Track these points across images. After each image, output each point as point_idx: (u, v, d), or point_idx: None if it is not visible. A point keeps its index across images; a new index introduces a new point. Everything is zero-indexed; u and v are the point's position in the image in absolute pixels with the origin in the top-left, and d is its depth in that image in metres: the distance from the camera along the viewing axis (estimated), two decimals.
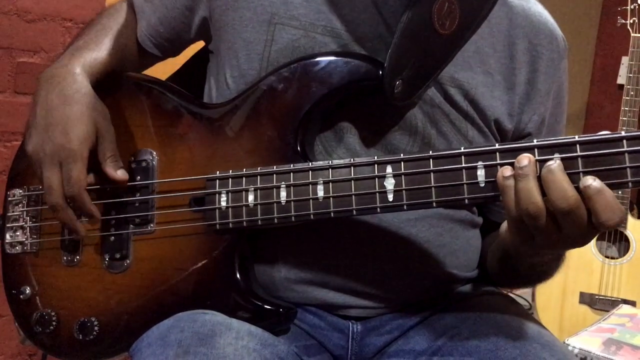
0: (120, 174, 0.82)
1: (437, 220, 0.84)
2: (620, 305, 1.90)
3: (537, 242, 0.66)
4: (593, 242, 2.29)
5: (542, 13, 0.88)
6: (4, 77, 1.81)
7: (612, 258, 2.27)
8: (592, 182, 0.61)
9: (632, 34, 2.31)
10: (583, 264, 2.28)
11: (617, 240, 2.31)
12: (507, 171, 0.64)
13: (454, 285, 0.90)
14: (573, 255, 2.26)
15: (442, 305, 0.87)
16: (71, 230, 0.83)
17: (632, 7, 2.31)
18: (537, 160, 0.64)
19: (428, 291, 0.87)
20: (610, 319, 1.70)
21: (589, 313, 2.25)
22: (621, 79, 2.94)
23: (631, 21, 2.30)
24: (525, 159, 0.63)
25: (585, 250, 2.27)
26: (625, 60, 2.46)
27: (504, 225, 0.73)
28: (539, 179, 0.63)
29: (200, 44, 0.95)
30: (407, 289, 0.85)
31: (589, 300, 2.26)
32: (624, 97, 2.29)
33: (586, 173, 0.62)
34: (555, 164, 0.62)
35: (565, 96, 0.92)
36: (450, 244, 0.86)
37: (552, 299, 2.29)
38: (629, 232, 2.25)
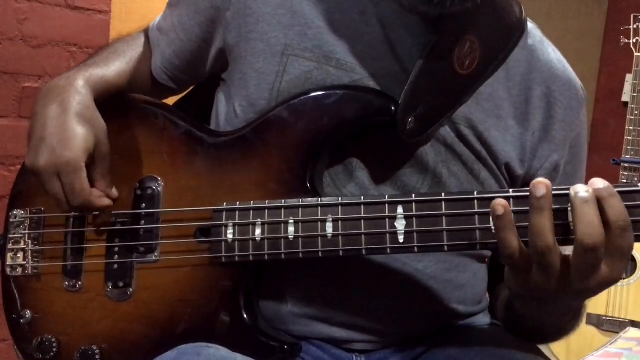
0: (114, 192, 0.81)
1: (444, 256, 0.83)
2: (628, 328, 1.88)
3: (546, 287, 0.64)
4: None
5: (562, 61, 0.86)
6: (9, 101, 1.82)
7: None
8: (600, 183, 0.61)
9: (635, 53, 2.32)
10: None
11: None
12: (499, 210, 0.62)
13: (460, 320, 0.89)
14: None
15: (446, 336, 0.86)
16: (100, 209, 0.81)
17: (634, 26, 2.32)
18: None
19: (434, 325, 0.86)
20: (618, 343, 1.67)
21: (596, 334, 2.22)
22: (626, 97, 2.94)
23: (634, 40, 2.31)
24: (542, 186, 0.61)
25: None
26: (629, 77, 2.46)
27: (507, 273, 0.70)
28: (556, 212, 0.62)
29: None
30: (412, 324, 0.84)
31: (597, 321, 2.23)
32: (628, 117, 2.29)
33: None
34: (589, 193, 0.61)
35: (585, 144, 0.90)
36: (457, 279, 0.85)
37: None
38: (635, 253, 2.24)
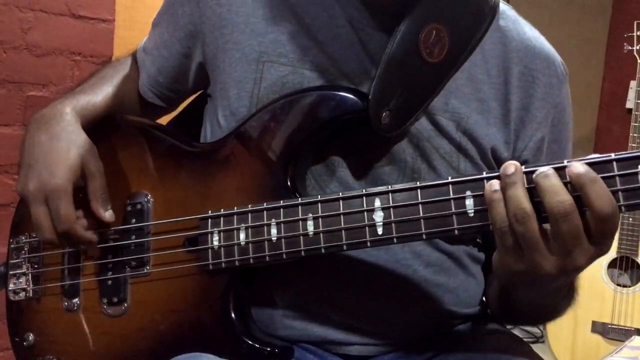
0: (108, 215, 0.82)
1: (434, 259, 0.83)
2: (633, 337, 1.86)
3: (526, 257, 0.64)
4: (604, 269, 2.26)
5: (538, 38, 0.85)
6: (13, 110, 1.84)
7: (624, 286, 2.23)
8: (581, 168, 0.60)
9: (639, 60, 2.31)
10: (594, 292, 2.24)
11: (629, 268, 2.27)
12: (495, 185, 0.63)
13: (455, 322, 0.89)
14: (584, 283, 2.22)
15: (446, 345, 0.85)
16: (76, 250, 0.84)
17: (638, 33, 2.32)
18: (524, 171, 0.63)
19: (428, 329, 0.86)
20: (623, 352, 1.66)
21: (601, 343, 2.20)
22: (630, 103, 2.92)
23: (638, 47, 2.30)
24: (511, 166, 0.62)
25: (596, 278, 2.24)
26: (633, 84, 2.45)
27: (496, 256, 0.70)
28: (530, 189, 0.62)
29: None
30: (406, 326, 0.84)
31: (602, 329, 2.21)
32: (632, 123, 2.28)
33: (577, 197, 0.61)
34: (549, 169, 0.61)
35: (570, 122, 0.89)
36: (448, 282, 0.84)
37: (564, 328, 2.25)
38: None
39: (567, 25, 3.04)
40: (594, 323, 2.23)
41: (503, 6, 0.84)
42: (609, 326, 2.21)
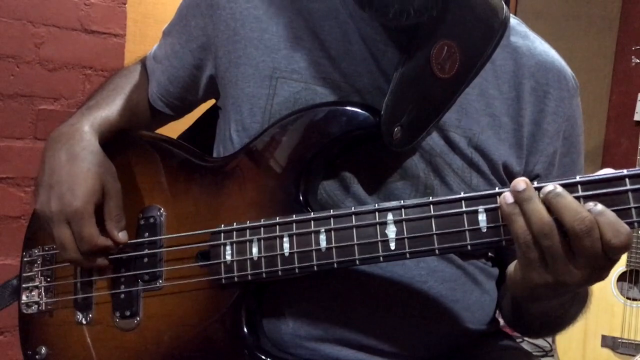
0: (121, 236, 0.82)
1: (449, 275, 0.82)
2: None
3: (551, 269, 0.64)
4: (613, 283, 2.24)
5: (549, 52, 0.85)
6: (25, 124, 1.86)
7: (634, 299, 2.21)
8: (592, 205, 0.60)
9: None
10: (604, 305, 2.22)
11: (639, 281, 2.25)
12: (509, 197, 0.63)
13: (469, 340, 0.88)
14: (593, 297, 2.21)
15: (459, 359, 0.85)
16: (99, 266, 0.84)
17: None
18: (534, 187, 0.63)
19: (442, 346, 0.85)
20: None
21: (612, 357, 2.18)
22: (638, 116, 2.92)
23: None
24: (521, 182, 0.62)
25: (606, 292, 2.22)
26: None
27: (511, 268, 0.70)
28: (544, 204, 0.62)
29: (212, 101, 0.97)
30: (420, 344, 0.83)
31: (612, 343, 2.19)
32: None
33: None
34: (559, 188, 0.61)
35: (581, 135, 0.89)
36: (464, 299, 0.84)
37: (573, 342, 2.23)
38: None
39: (574, 39, 3.04)
40: (603, 337, 2.21)
41: (513, 21, 0.85)
42: (619, 340, 2.19)
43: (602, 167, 0.65)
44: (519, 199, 0.62)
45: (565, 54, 0.89)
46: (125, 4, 2.03)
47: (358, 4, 0.76)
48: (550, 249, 0.62)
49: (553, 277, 0.64)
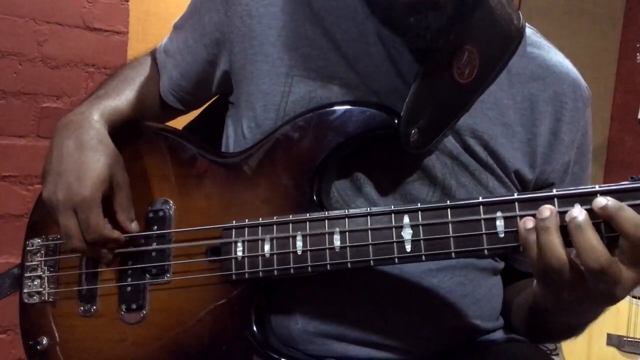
0: (134, 227, 0.82)
1: (459, 270, 0.82)
2: None
3: (565, 297, 0.64)
4: None
5: (564, 62, 0.86)
6: (27, 121, 1.86)
7: None
8: (604, 200, 0.60)
9: None
10: None
11: None
12: (529, 223, 0.63)
13: (477, 336, 0.88)
14: None
15: (466, 354, 0.85)
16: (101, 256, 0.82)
17: None
18: (558, 211, 0.62)
19: (451, 342, 0.85)
20: None
21: (617, 355, 2.18)
22: None
23: None
24: (547, 210, 0.62)
25: None
26: None
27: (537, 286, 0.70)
28: (563, 229, 0.61)
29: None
30: (429, 340, 0.83)
31: (617, 342, 2.19)
32: None
33: (608, 227, 0.61)
34: (582, 217, 0.60)
35: (590, 144, 0.91)
36: (472, 293, 0.84)
37: (578, 341, 2.22)
38: None
39: (578, 37, 3.03)
40: (609, 336, 2.21)
41: (529, 31, 0.85)
42: (625, 339, 2.18)
43: (605, 166, 0.64)
44: (538, 227, 0.62)
45: (569, 52, 0.90)
46: (127, 1, 2.02)
47: (379, 20, 0.76)
48: (561, 280, 0.62)
49: (567, 298, 0.64)
